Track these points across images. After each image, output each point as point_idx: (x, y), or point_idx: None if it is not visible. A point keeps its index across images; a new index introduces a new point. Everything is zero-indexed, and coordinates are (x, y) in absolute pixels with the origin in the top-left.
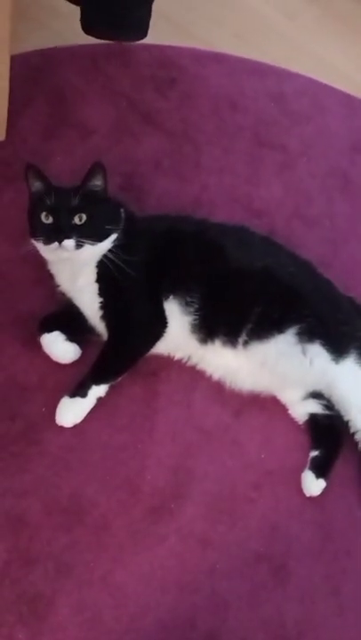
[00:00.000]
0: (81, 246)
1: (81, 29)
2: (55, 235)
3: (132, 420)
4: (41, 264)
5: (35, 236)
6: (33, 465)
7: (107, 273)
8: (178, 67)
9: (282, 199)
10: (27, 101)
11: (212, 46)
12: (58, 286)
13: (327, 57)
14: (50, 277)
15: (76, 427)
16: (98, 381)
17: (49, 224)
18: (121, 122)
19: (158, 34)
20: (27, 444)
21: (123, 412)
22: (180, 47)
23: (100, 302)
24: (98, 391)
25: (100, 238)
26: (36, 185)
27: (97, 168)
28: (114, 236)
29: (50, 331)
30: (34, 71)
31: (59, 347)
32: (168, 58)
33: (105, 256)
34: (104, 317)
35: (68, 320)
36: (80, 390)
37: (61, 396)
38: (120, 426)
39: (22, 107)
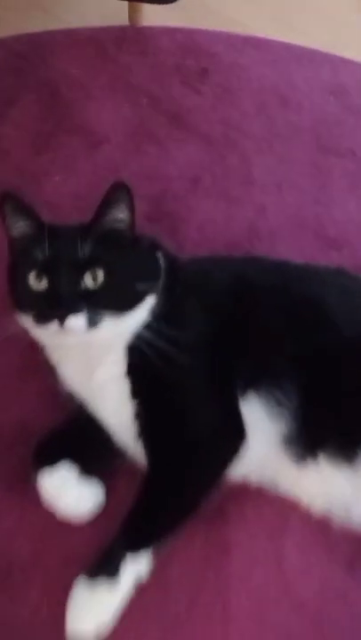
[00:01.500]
0: (97, 324)
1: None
2: (54, 308)
3: (192, 601)
4: (33, 349)
5: (21, 308)
6: None
7: (142, 361)
8: (209, 54)
9: None
10: (9, 101)
11: (247, 30)
12: (62, 385)
13: None
14: (48, 370)
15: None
16: (136, 546)
17: (43, 290)
18: (141, 125)
19: (181, 16)
20: None
21: (175, 586)
22: (210, 31)
23: (135, 409)
24: (137, 565)
25: (127, 307)
26: (19, 225)
27: (118, 192)
28: (151, 301)
29: (51, 462)
30: (18, 60)
31: (69, 493)
32: (196, 44)
33: (139, 335)
34: (141, 433)
35: (80, 441)
36: (106, 565)
37: (72, 581)
38: (172, 617)
39: (3, 107)
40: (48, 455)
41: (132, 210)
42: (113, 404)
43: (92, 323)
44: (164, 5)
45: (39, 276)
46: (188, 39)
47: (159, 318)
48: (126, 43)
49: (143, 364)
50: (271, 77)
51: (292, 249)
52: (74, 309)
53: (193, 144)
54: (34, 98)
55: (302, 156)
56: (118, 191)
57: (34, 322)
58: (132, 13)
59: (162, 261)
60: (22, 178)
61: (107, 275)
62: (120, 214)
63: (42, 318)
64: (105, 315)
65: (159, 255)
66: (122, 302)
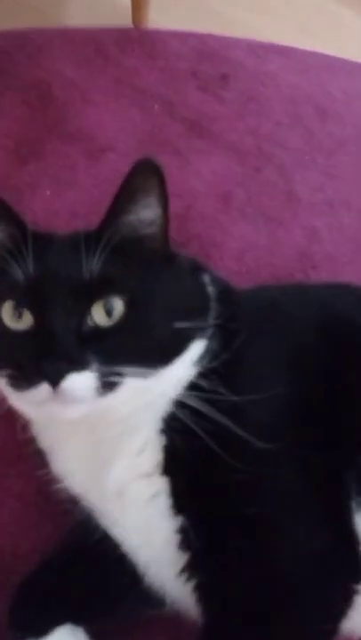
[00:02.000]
0: (114, 386)
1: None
2: (43, 360)
3: None
4: (8, 427)
5: None
6: None
7: (188, 446)
8: (228, 60)
9: None
10: None
11: (262, 37)
12: (56, 482)
13: None
14: (35, 459)
15: None
16: None
17: (24, 331)
18: (153, 133)
19: (188, 21)
20: None
21: None
22: (225, 37)
23: (178, 526)
24: None
25: (161, 359)
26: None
27: (144, 176)
28: (197, 349)
29: (41, 628)
30: (1, 58)
31: None
32: (212, 49)
33: (180, 403)
34: (190, 568)
35: (88, 580)
36: None
37: None
38: None
39: None
40: (35, 612)
41: (164, 206)
42: (139, 518)
43: (106, 385)
44: (170, 8)
45: (18, 308)
46: (201, 44)
47: (212, 376)
48: (130, 45)
49: (189, 451)
50: (303, 86)
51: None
52: (76, 362)
53: (219, 156)
54: (18, 100)
55: (351, 171)
56: (145, 175)
57: (9, 385)
58: (137, 15)
59: (210, 290)
60: (2, 190)
61: (128, 306)
62: (147, 213)
63: (22, 379)
64: (126, 371)
65: (206, 280)
66: (152, 351)
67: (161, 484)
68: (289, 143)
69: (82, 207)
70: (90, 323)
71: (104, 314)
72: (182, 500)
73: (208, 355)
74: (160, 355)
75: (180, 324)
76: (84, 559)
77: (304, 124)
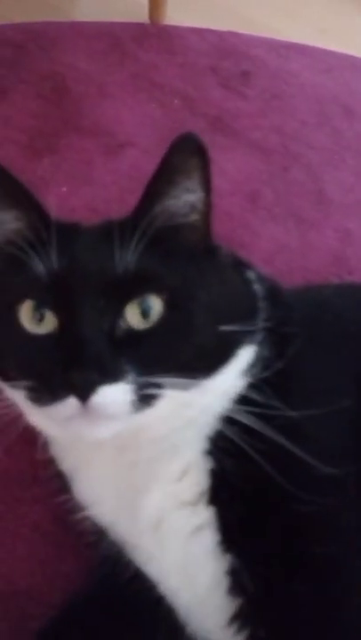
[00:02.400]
0: (152, 400)
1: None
2: (70, 369)
3: None
4: (26, 442)
5: (3, 375)
6: None
7: (240, 471)
8: (249, 58)
9: None
10: (0, 93)
11: (279, 36)
12: (79, 511)
13: None
14: (55, 483)
15: None
16: None
17: (47, 336)
18: (174, 128)
19: (205, 19)
20: None
21: None
22: (248, 35)
23: (228, 565)
24: None
25: (206, 368)
26: (6, 220)
27: (186, 154)
28: (246, 355)
29: None
30: (11, 49)
31: None
32: (232, 46)
33: (229, 418)
34: (243, 615)
35: (116, 626)
36: None
37: None
38: None
39: None
40: None
41: (208, 190)
42: (179, 556)
43: (143, 399)
44: (188, 6)
45: (40, 309)
46: (221, 40)
47: (264, 387)
48: (148, 40)
49: (241, 476)
50: (328, 86)
51: None
52: (110, 373)
53: (243, 153)
54: (32, 93)
55: None
56: (186, 154)
57: (28, 399)
58: (154, 12)
59: (257, 288)
60: None
61: (167, 306)
62: (188, 197)
63: (45, 392)
64: (165, 382)
65: (251, 277)
66: (194, 359)
67: (206, 516)
68: (316, 142)
69: (100, 204)
70: (123, 325)
71: (140, 315)
72: (232, 535)
73: (259, 363)
74: (204, 363)
75: (226, 328)
76: (114, 603)
77: (331, 124)
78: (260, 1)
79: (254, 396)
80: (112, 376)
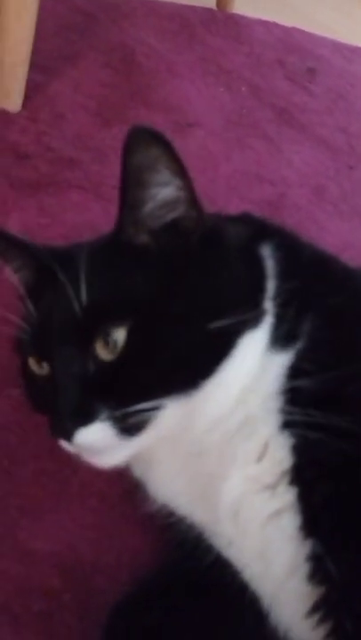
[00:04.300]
0: (146, 424)
1: None
2: (52, 417)
3: None
4: None
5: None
6: None
7: (324, 443)
8: (315, 56)
9: None
10: (68, 58)
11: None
12: (154, 505)
13: None
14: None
15: None
16: None
17: (47, 379)
18: (242, 114)
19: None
20: None
21: None
22: (313, 33)
23: (310, 550)
24: None
25: (198, 372)
26: (22, 275)
27: (140, 146)
28: (255, 340)
29: None
30: (83, 17)
31: None
32: (298, 42)
33: (290, 390)
34: (326, 607)
35: (197, 614)
36: None
37: None
38: None
39: (59, 63)
40: None
41: (182, 173)
42: (257, 541)
43: (131, 428)
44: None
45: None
46: (287, 35)
47: (309, 355)
48: (215, 26)
49: (326, 451)
50: None
51: None
52: (81, 417)
53: (310, 147)
54: (102, 61)
55: None
56: (143, 147)
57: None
58: (222, 0)
59: (270, 264)
60: (84, 150)
61: (132, 331)
62: (165, 192)
63: (52, 431)
64: (150, 406)
65: (265, 253)
66: (180, 370)
67: (287, 499)
68: None
69: None
70: (94, 363)
71: (106, 348)
72: (315, 518)
73: (285, 337)
74: (192, 370)
75: (216, 324)
76: (195, 587)
77: None
78: (321, 1)
79: (305, 365)
80: (83, 419)
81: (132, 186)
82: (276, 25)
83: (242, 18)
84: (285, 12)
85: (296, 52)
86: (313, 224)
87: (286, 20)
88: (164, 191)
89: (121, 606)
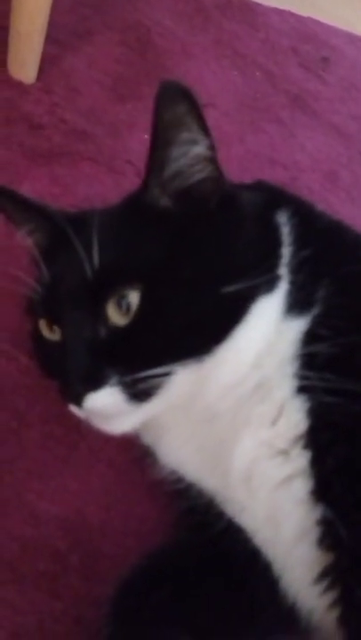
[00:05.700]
0: (156, 389)
1: None
2: (63, 380)
3: None
4: None
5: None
6: None
7: (341, 406)
8: (329, 46)
9: None
10: (83, 33)
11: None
12: (164, 471)
13: None
14: (141, 455)
15: None
16: None
17: (58, 344)
18: (256, 98)
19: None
20: None
21: None
22: (328, 24)
23: (320, 518)
24: None
25: (210, 337)
26: (34, 236)
27: (168, 102)
28: (269, 305)
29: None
30: None
31: None
32: (313, 32)
33: (306, 356)
34: (335, 574)
35: (209, 582)
36: None
37: None
38: None
39: (73, 38)
40: (141, 625)
41: (208, 133)
42: (267, 505)
43: (140, 394)
44: None
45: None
46: (302, 25)
47: (324, 320)
48: (231, 11)
49: (344, 413)
50: None
51: None
52: (90, 381)
53: (323, 134)
54: (117, 38)
55: None
56: (171, 103)
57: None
58: None
59: (285, 231)
60: (97, 124)
61: (145, 295)
62: (195, 149)
63: (62, 395)
64: (161, 372)
65: (281, 220)
66: (191, 336)
67: (300, 463)
68: None
69: None
70: (106, 327)
71: (119, 312)
72: (328, 482)
73: (300, 303)
74: (204, 335)
75: (230, 288)
76: (204, 561)
77: None
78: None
79: (320, 330)
80: (93, 384)
81: (161, 144)
82: (291, 14)
83: (257, 5)
84: (299, 3)
85: (311, 41)
86: (327, 209)
87: (301, 10)
88: (194, 149)
89: (130, 580)
